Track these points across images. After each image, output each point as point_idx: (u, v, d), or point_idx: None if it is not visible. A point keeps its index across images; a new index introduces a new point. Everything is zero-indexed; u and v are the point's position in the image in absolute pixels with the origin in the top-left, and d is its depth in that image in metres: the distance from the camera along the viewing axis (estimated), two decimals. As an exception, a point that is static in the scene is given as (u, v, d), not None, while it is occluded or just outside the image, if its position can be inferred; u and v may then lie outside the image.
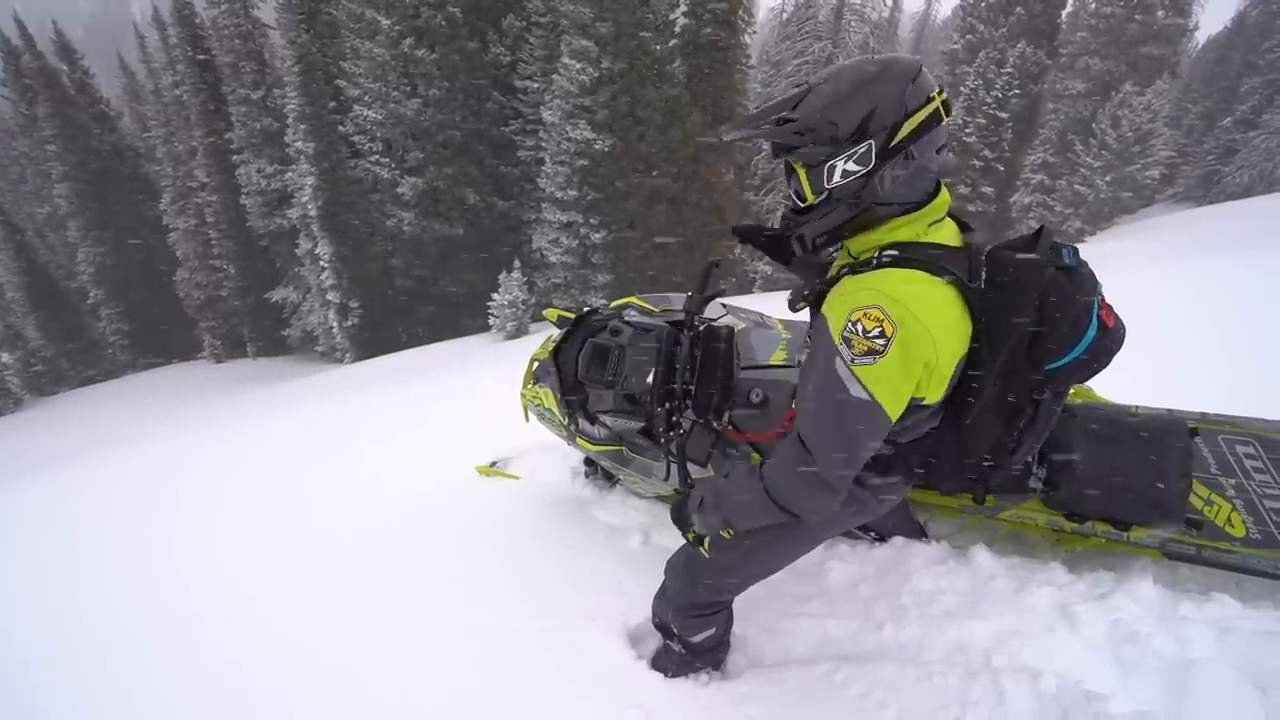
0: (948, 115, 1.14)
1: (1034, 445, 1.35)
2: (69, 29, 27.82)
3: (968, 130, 17.92)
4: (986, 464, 1.32)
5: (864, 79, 1.11)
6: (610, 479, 2.75)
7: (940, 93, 1.12)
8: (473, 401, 5.41)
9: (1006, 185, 19.15)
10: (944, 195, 1.21)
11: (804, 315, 1.37)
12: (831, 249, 1.28)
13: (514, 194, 19.12)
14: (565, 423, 2.17)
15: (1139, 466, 1.57)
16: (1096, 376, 1.27)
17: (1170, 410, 1.79)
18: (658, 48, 15.93)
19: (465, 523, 2.75)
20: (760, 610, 1.85)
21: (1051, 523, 1.73)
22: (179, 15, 20.79)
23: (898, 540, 1.96)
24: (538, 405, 2.32)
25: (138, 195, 25.28)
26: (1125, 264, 7.77)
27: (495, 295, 14.91)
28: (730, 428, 1.96)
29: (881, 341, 1.07)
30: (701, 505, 1.39)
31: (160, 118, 24.84)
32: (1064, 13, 21.23)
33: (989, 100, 17.71)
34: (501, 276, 14.96)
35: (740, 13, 17.69)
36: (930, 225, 1.20)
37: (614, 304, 2.27)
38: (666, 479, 2.02)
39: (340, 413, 6.89)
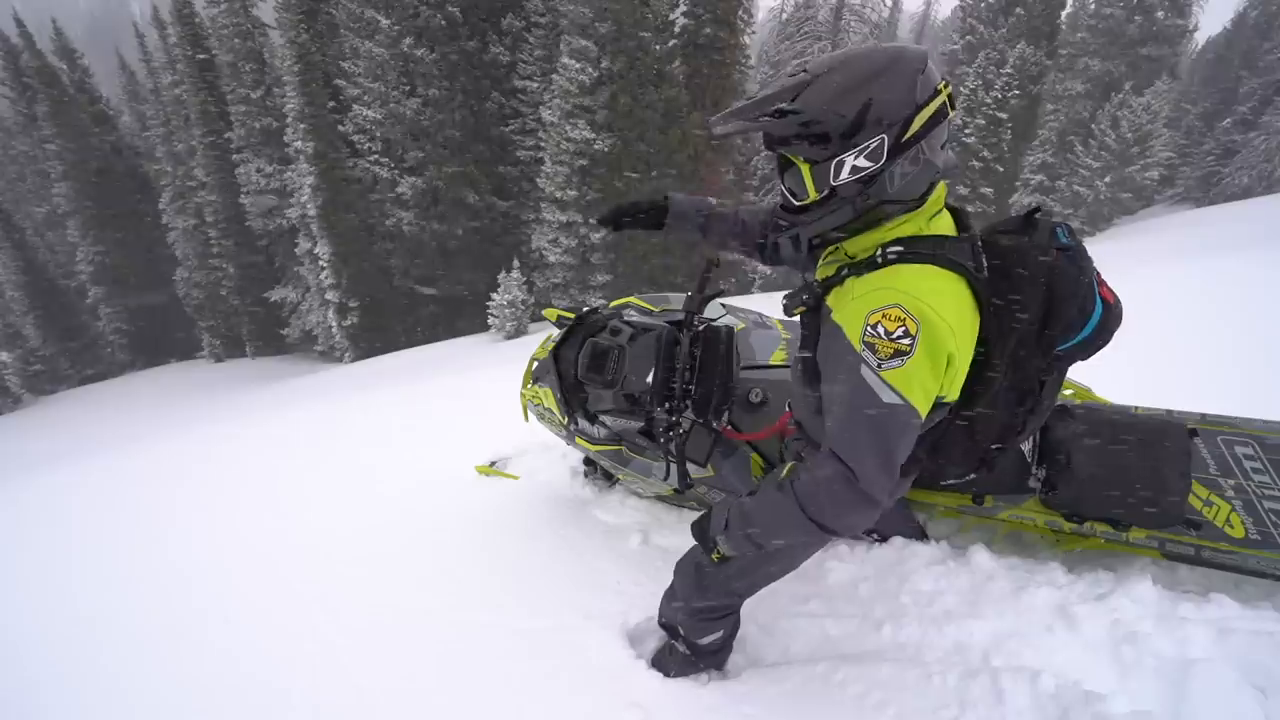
0: (953, 109, 1.09)
1: (1038, 424, 1.35)
2: (69, 28, 27.79)
3: (967, 130, 17.91)
4: (995, 448, 1.32)
5: (874, 69, 1.04)
6: (610, 479, 2.75)
7: (946, 85, 1.07)
8: (472, 401, 5.40)
9: (1006, 186, 19.13)
10: (941, 186, 1.18)
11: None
12: (826, 248, 1.25)
13: (513, 194, 19.12)
14: (565, 422, 2.17)
15: (1138, 467, 1.57)
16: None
17: (1170, 411, 1.79)
18: (657, 48, 15.94)
19: (464, 522, 2.75)
20: (759, 610, 1.84)
21: (1050, 523, 1.73)
22: (179, 14, 20.78)
23: (897, 540, 1.96)
24: (537, 405, 2.32)
25: (137, 194, 25.25)
26: (1126, 265, 7.77)
27: (494, 295, 14.90)
28: (730, 427, 1.96)
29: (907, 341, 1.03)
30: (727, 527, 1.31)
31: (160, 117, 24.85)
32: (1064, 13, 21.22)
33: (988, 101, 17.70)
34: (501, 276, 14.96)
35: (740, 13, 17.70)
36: (930, 219, 1.16)
37: (614, 304, 2.26)
38: (666, 479, 2.02)
39: (339, 412, 6.89)
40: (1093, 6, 23.48)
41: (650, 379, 1.85)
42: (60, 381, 23.58)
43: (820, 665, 1.67)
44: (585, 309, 2.19)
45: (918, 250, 1.11)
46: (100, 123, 24.54)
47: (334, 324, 18.66)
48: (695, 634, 1.64)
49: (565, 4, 15.39)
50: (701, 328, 1.91)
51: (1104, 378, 1.98)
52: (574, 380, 1.99)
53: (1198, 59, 30.42)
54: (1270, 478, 1.60)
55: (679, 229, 1.68)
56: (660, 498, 2.53)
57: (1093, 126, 20.56)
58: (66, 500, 4.76)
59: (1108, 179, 19.63)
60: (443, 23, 17.01)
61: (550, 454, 3.02)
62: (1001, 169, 18.47)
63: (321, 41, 17.98)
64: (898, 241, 1.13)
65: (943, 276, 1.09)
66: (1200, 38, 28.50)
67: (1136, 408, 1.80)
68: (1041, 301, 1.16)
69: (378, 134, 17.52)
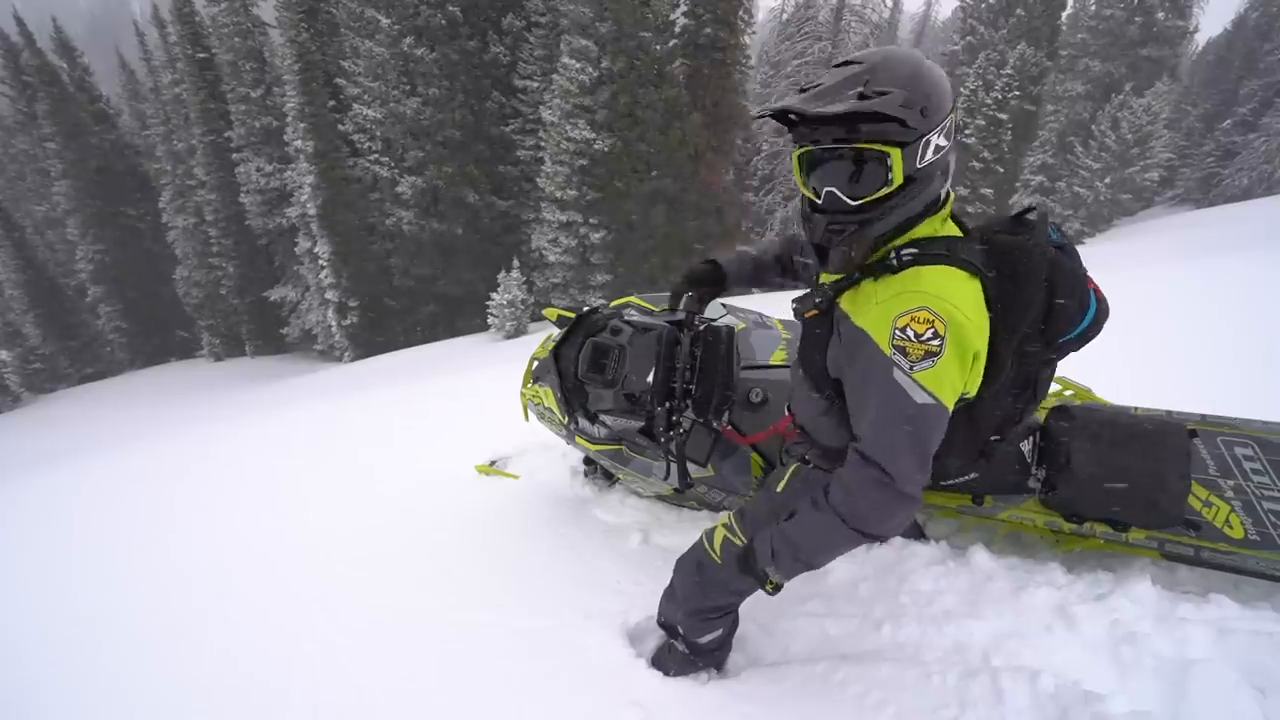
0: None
1: (1032, 413, 1.42)
2: (69, 26, 27.75)
3: (967, 131, 17.91)
4: (993, 440, 1.37)
5: (916, 57, 1.09)
6: (609, 478, 2.75)
7: None
8: (471, 400, 5.40)
9: (1006, 187, 19.14)
10: (949, 190, 1.23)
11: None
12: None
13: (513, 193, 19.11)
14: (565, 422, 2.17)
15: (1138, 468, 1.57)
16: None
17: (1169, 412, 1.80)
18: (658, 48, 15.92)
19: (464, 522, 2.75)
20: (759, 609, 1.84)
21: (1050, 523, 1.73)
22: (179, 13, 20.77)
23: (896, 540, 1.96)
24: (537, 404, 2.32)
25: (136, 193, 25.24)
26: (1126, 265, 7.78)
27: (494, 294, 14.90)
28: (730, 427, 1.96)
29: (937, 342, 1.06)
30: (775, 557, 1.31)
31: (160, 116, 24.85)
32: (1064, 14, 21.23)
33: (989, 102, 17.70)
34: (500, 276, 14.96)
35: (740, 13, 17.69)
36: (944, 221, 1.21)
37: (614, 304, 2.27)
38: (666, 478, 2.02)
39: (339, 412, 6.89)
40: (1093, 7, 23.50)
41: (650, 379, 1.85)
42: (60, 380, 23.58)
43: (820, 665, 1.67)
44: (585, 309, 2.20)
45: (933, 251, 1.13)
46: (100, 121, 24.53)
47: (333, 323, 18.66)
48: (695, 633, 1.64)
49: (565, 4, 15.39)
50: (702, 328, 1.92)
51: (1104, 378, 1.98)
52: (574, 380, 2.00)
53: (1198, 60, 30.43)
54: (1270, 479, 1.60)
55: (737, 285, 1.84)
56: (660, 497, 2.53)
57: (1093, 127, 20.58)
58: (66, 499, 4.76)
59: (1108, 180, 19.64)
60: (443, 22, 17.00)
61: (550, 453, 3.02)
62: (1001, 170, 18.48)
63: (321, 40, 17.99)
64: (913, 244, 1.15)
65: (960, 276, 1.12)
66: (1201, 39, 28.52)
67: (1136, 408, 1.80)
68: (1045, 297, 1.20)
69: (378, 133, 17.53)
